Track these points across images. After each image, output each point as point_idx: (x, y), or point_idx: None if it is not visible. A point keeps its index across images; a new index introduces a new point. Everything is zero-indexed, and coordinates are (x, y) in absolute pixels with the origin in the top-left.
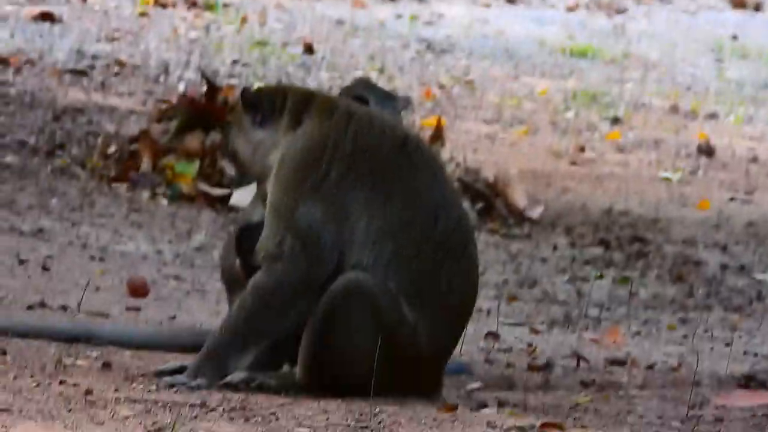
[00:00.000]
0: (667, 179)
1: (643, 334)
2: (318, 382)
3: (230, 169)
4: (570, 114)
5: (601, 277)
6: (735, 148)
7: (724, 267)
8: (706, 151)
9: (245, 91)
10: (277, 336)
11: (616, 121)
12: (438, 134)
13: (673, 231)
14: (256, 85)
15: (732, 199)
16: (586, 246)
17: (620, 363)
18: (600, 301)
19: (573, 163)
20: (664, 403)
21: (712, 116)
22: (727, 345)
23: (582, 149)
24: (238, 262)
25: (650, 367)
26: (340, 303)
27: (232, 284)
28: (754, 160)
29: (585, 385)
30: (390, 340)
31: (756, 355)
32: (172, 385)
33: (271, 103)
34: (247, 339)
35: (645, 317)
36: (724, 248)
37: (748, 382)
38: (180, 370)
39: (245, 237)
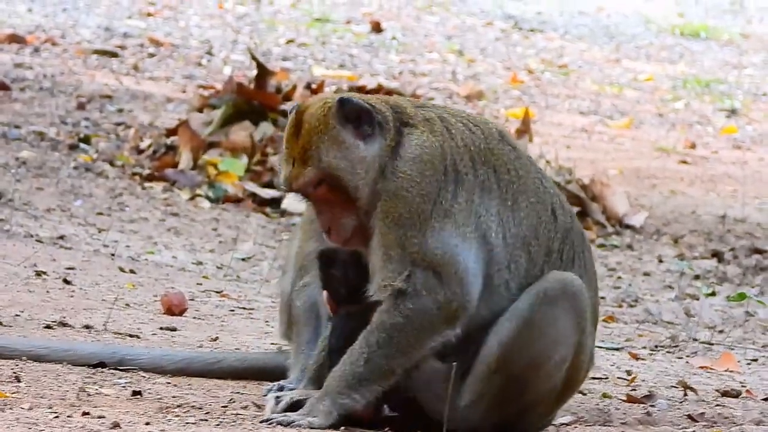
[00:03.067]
0: None
1: (761, 361)
2: (494, 400)
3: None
4: (679, 104)
5: (713, 294)
6: None
7: None
8: None
9: (346, 102)
10: (404, 374)
11: (732, 112)
12: (525, 127)
13: None
14: (317, 71)
15: None
16: (697, 258)
17: (734, 394)
18: (712, 322)
19: (682, 161)
20: None
21: None
22: None
23: (693, 146)
24: (324, 293)
25: None
26: (552, 305)
27: (305, 314)
28: None
29: (692, 419)
30: (581, 353)
31: None
32: (285, 423)
33: (375, 116)
34: (371, 380)
35: (763, 341)
36: None
37: None
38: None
39: (328, 262)
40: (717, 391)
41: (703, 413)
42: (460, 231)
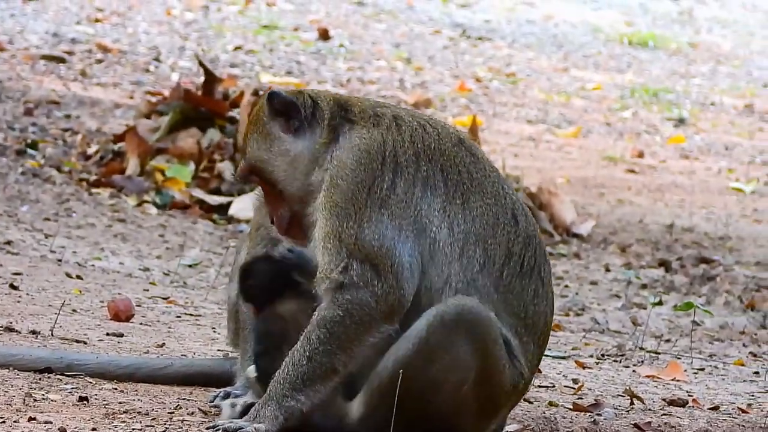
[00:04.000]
0: (739, 190)
1: (707, 370)
2: (384, 417)
3: (232, 175)
4: (627, 113)
5: (660, 303)
6: None
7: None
8: None
9: (275, 95)
10: (349, 372)
11: (680, 122)
12: (473, 135)
13: (745, 251)
14: (264, 78)
15: None
16: (644, 267)
17: (681, 403)
18: (658, 331)
19: (630, 170)
20: None
21: None
22: None
23: (641, 155)
24: (240, 299)
25: (715, 408)
26: (448, 330)
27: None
28: None
29: (639, 428)
30: (491, 376)
31: None
32: (231, 430)
33: (306, 109)
34: (315, 378)
35: (710, 351)
36: None
37: None
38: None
39: (245, 275)
40: (663, 400)
41: (649, 422)
42: (395, 223)
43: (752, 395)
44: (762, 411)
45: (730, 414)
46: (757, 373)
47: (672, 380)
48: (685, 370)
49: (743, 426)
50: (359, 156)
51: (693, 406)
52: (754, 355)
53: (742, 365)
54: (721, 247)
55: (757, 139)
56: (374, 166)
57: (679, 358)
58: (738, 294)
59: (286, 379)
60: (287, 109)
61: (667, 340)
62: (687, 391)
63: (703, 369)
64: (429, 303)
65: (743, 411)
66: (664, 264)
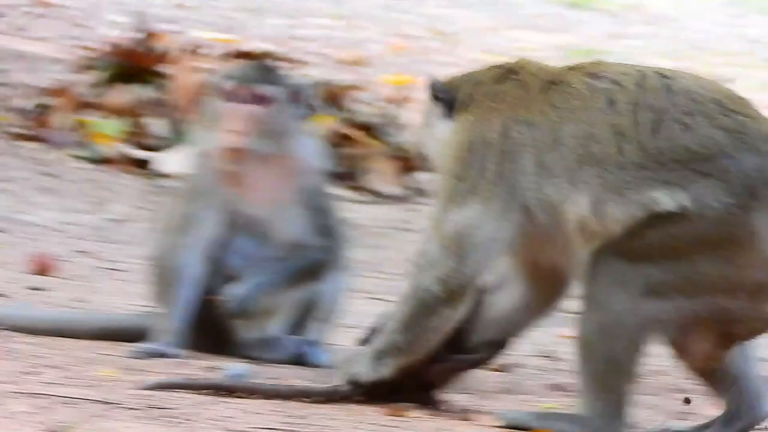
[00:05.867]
0: None
1: None
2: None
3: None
4: None
5: None
6: None
7: None
8: None
9: (434, 83)
10: (418, 354)
11: None
12: (403, 94)
13: None
14: (199, 34)
15: None
16: None
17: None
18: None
19: None
20: (648, 410)
21: (728, 81)
22: None
23: None
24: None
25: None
26: None
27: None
28: None
29: (555, 388)
30: None
31: None
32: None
33: (454, 92)
34: (385, 352)
35: None
36: None
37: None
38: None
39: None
40: None
41: (564, 382)
42: (482, 204)
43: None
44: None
45: (647, 375)
46: None
47: None
48: None
49: (661, 388)
50: (456, 148)
51: None
52: None
53: None
54: None
55: None
56: (464, 154)
57: None
58: None
59: (376, 345)
60: (442, 96)
61: None
62: None
63: None
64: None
65: (662, 373)
66: None
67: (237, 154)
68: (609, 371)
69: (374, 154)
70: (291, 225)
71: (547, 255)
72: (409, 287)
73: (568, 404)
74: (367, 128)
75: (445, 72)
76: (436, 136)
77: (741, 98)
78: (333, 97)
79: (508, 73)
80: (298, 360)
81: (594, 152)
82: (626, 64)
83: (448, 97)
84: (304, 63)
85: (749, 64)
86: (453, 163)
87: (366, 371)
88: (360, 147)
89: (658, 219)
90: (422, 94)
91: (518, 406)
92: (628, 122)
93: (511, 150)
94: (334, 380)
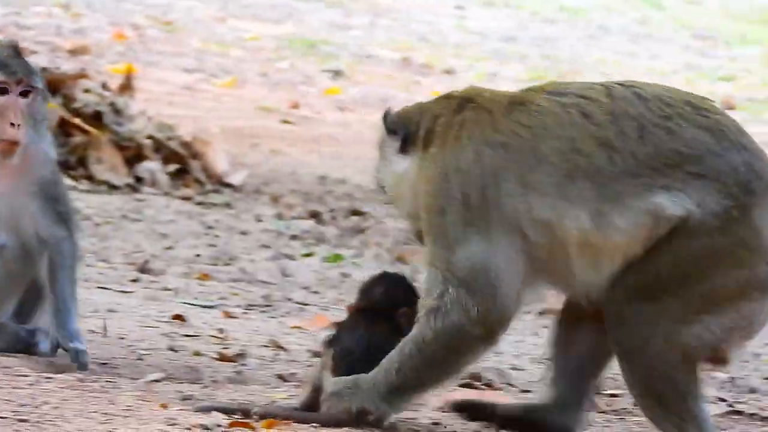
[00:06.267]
0: None
1: None
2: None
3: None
4: (284, 64)
5: (310, 255)
6: None
7: None
8: None
9: (387, 115)
10: (445, 386)
11: (337, 74)
12: (127, 83)
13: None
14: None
15: None
16: (295, 218)
17: None
18: (307, 283)
19: (285, 121)
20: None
21: (449, 71)
22: None
23: (296, 106)
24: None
25: None
26: None
27: None
28: None
29: (283, 379)
30: None
31: None
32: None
33: (411, 128)
34: (401, 389)
35: None
36: None
37: (472, 381)
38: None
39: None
40: (309, 351)
41: (294, 373)
42: (483, 236)
43: None
44: None
45: None
46: None
47: (319, 332)
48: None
49: None
50: (430, 183)
51: None
52: None
53: None
54: (372, 200)
55: (412, 92)
56: (441, 185)
57: (326, 310)
58: (388, 246)
59: (376, 384)
60: (395, 129)
61: (316, 292)
62: None
63: None
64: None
65: None
66: (316, 215)
67: (11, 146)
68: (678, 403)
69: (100, 144)
70: (28, 215)
71: (563, 285)
72: (428, 326)
73: (296, 395)
74: (92, 117)
75: (169, 63)
76: (393, 170)
77: (704, 98)
78: (57, 86)
79: (465, 102)
80: (26, 348)
81: (582, 166)
82: (583, 81)
83: (405, 132)
84: (30, 52)
85: (473, 56)
86: (433, 199)
87: (382, 408)
88: (86, 136)
89: (666, 241)
90: (377, 128)
91: (247, 397)
92: (611, 133)
93: (490, 174)
94: (334, 408)
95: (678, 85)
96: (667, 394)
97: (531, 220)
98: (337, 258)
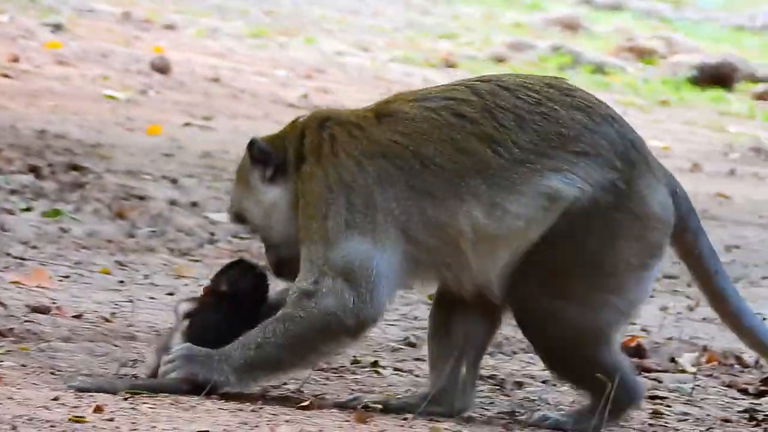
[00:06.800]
0: (113, 98)
1: (72, 278)
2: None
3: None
4: (4, 18)
5: (29, 209)
6: (194, 66)
7: (172, 203)
8: (161, 67)
9: (254, 143)
10: (292, 372)
11: (57, 28)
12: None
13: (116, 159)
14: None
15: (187, 124)
16: (14, 173)
17: (44, 311)
18: (25, 237)
19: (4, 75)
20: (93, 358)
21: (170, 27)
22: (170, 294)
23: (16, 59)
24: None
25: (78, 316)
26: None
27: None
28: (216, 80)
29: (1, 335)
30: None
31: None
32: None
33: (280, 156)
34: (257, 366)
35: (77, 258)
36: (174, 181)
37: None
38: None
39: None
40: (27, 306)
41: (12, 329)
42: (368, 237)
43: (116, 304)
44: (125, 320)
45: (93, 322)
46: (122, 282)
47: (37, 287)
48: (51, 278)
49: (105, 334)
50: (312, 193)
51: (57, 314)
52: (121, 264)
53: (108, 274)
54: (92, 155)
55: (133, 47)
56: (325, 196)
57: (45, 265)
58: (107, 202)
59: (230, 357)
60: (263, 158)
61: (34, 247)
62: (51, 299)
63: (68, 277)
64: None
65: (107, 320)
66: (35, 170)
67: None
68: (586, 370)
69: None
70: None
71: (454, 279)
72: (299, 307)
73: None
74: None
75: None
76: (261, 200)
77: (558, 78)
78: None
79: (324, 121)
80: None
81: (468, 164)
82: (440, 85)
83: (275, 161)
84: None
85: (195, 11)
86: (314, 210)
87: (225, 380)
88: None
89: (562, 225)
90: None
91: None
92: (489, 127)
93: (375, 182)
94: (171, 373)
95: (401, 42)
96: (582, 372)
97: (421, 223)
98: (56, 213)
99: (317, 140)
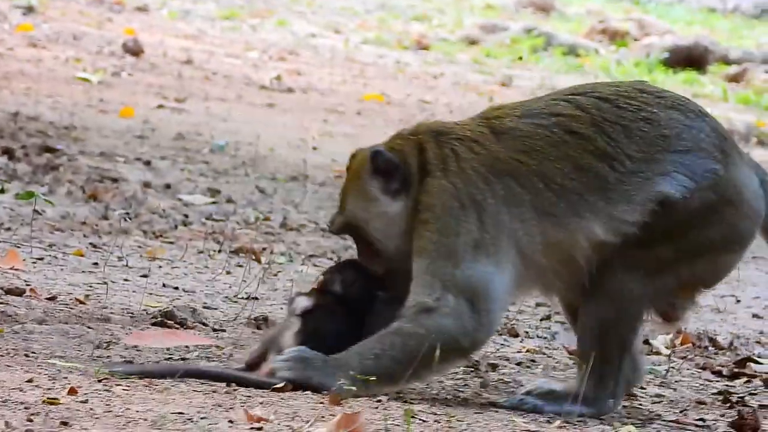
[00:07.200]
0: (86, 80)
1: (46, 260)
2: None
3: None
4: None
5: (2, 191)
6: (166, 48)
7: (146, 185)
8: (133, 49)
9: (380, 155)
10: (406, 386)
11: (29, 10)
12: None
13: (89, 141)
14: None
15: (160, 106)
16: None
17: (18, 293)
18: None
19: None
20: (67, 340)
21: (142, 9)
22: (144, 276)
23: None
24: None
25: (52, 298)
26: None
27: None
28: (188, 62)
29: None
30: None
31: (177, 288)
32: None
33: (404, 172)
34: (374, 377)
35: (50, 240)
36: (147, 163)
37: (165, 319)
38: None
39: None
40: (1, 288)
41: None
42: (493, 260)
43: (90, 286)
44: (99, 302)
45: (67, 304)
46: (96, 264)
47: (10, 269)
48: (24, 260)
49: (79, 316)
50: (441, 207)
51: (30, 296)
52: (94, 246)
53: (82, 256)
54: (65, 137)
55: (105, 29)
56: (456, 212)
57: (18, 247)
58: (81, 184)
59: (346, 365)
60: (389, 169)
61: (8, 229)
62: (25, 281)
63: (42, 259)
64: None
65: (80, 302)
66: (8, 152)
67: None
68: (617, 351)
69: None
70: None
71: (563, 292)
72: (420, 323)
73: None
74: None
75: None
76: (384, 211)
77: (642, 81)
78: None
79: (438, 135)
80: None
81: (587, 181)
82: (528, 100)
83: (401, 172)
84: None
85: None
86: (442, 224)
87: (339, 388)
88: None
89: (662, 205)
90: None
91: None
92: (602, 142)
93: (503, 203)
94: (284, 372)
95: (373, 25)
96: (617, 343)
97: (541, 244)
98: (29, 195)
99: (441, 155)
